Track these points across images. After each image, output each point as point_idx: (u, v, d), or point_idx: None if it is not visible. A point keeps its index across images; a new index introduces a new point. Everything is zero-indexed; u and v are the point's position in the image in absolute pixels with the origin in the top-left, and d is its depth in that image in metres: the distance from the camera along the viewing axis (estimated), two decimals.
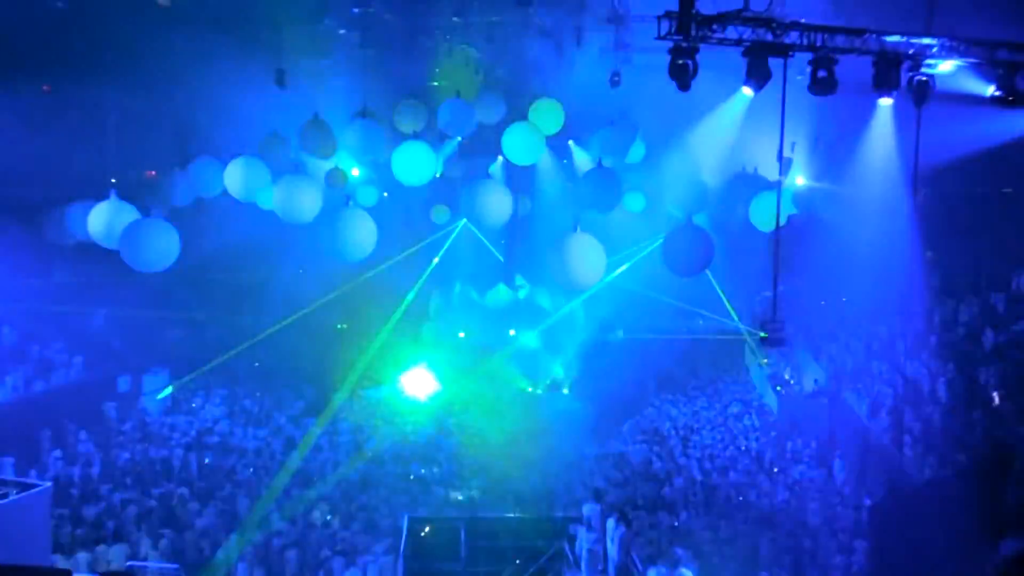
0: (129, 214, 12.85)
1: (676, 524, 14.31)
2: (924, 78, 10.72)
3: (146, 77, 17.43)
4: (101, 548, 12.49)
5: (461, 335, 21.57)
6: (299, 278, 21.44)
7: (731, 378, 22.25)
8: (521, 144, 15.62)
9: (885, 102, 12.63)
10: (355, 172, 19.20)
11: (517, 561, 12.62)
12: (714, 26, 9.80)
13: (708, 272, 16.34)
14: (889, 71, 10.54)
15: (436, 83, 18.93)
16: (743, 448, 17.91)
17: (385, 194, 20.07)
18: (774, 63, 10.17)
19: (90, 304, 19.87)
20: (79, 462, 15.91)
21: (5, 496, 9.70)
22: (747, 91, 10.60)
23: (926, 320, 17.35)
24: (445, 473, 16.35)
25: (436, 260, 22.19)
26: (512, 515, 14.37)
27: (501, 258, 22.90)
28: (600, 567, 11.40)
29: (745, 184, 17.70)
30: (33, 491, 10.11)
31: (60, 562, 11.59)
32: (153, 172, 19.25)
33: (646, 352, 21.18)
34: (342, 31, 17.70)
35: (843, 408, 17.81)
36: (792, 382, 20.06)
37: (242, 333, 20.49)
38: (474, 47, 17.98)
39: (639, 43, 16.02)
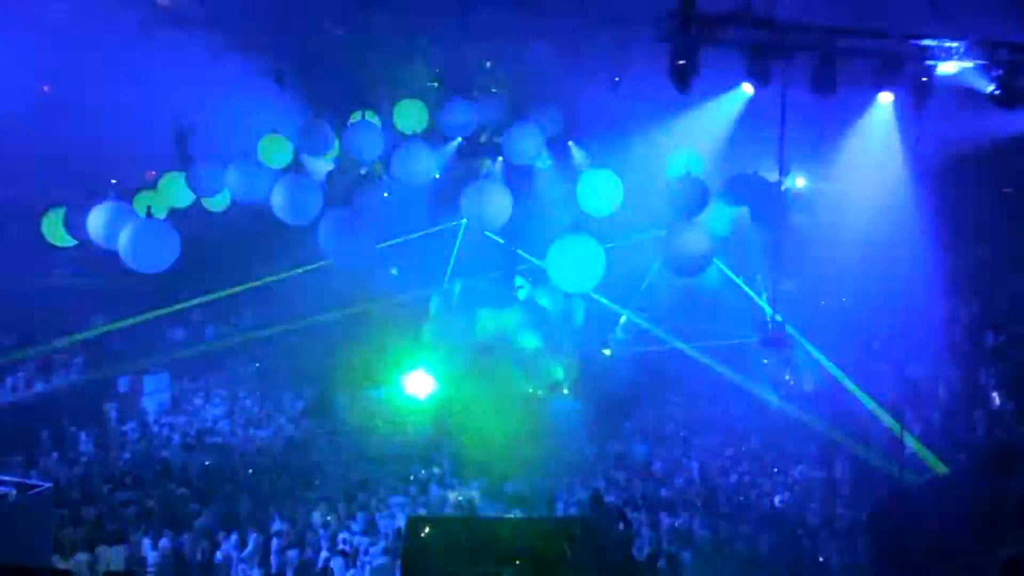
0: (129, 215, 12.86)
1: (676, 524, 14.31)
2: (925, 78, 10.74)
3: (146, 77, 17.42)
4: (101, 548, 12.47)
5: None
6: (299, 278, 21.41)
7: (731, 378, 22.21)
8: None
9: (885, 100, 12.65)
10: None
11: (517, 562, 12.59)
12: (715, 26, 9.82)
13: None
14: (890, 71, 10.55)
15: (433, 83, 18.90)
16: (743, 448, 17.90)
17: (385, 194, 20.04)
18: (774, 64, 10.19)
19: (90, 304, 19.89)
20: (79, 462, 15.91)
21: (5, 496, 9.70)
22: (747, 88, 10.62)
23: (926, 320, 17.35)
24: (445, 473, 16.34)
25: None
26: (512, 516, 14.36)
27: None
28: (601, 568, 11.41)
29: (745, 185, 17.68)
30: (33, 492, 10.11)
31: (60, 562, 11.60)
32: (153, 172, 19.23)
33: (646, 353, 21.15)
34: (340, 32, 17.71)
35: (843, 408, 17.80)
36: (792, 382, 20.05)
37: (242, 333, 20.50)
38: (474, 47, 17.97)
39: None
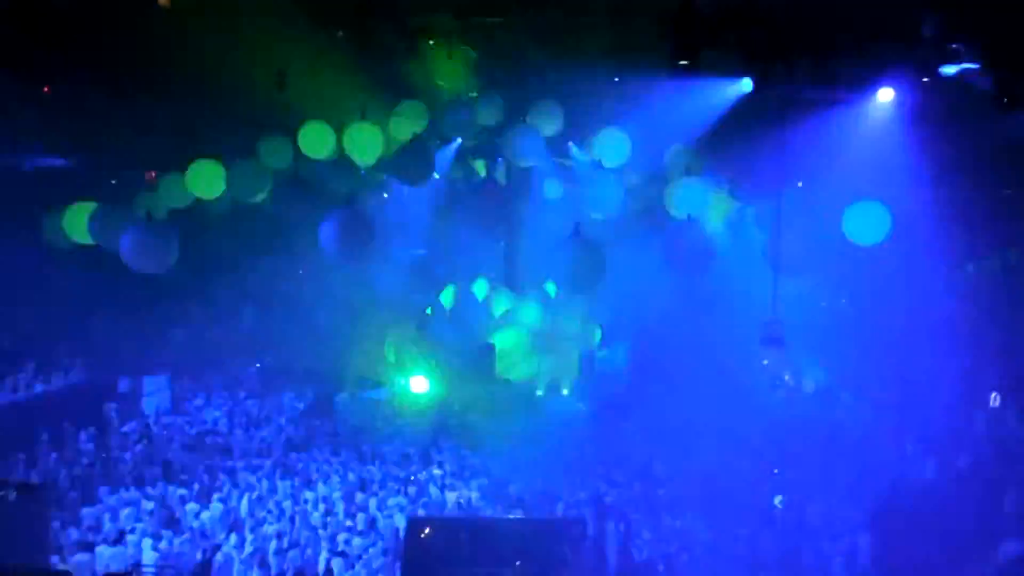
0: (128, 216, 12.87)
1: (676, 525, 14.30)
2: (926, 79, 10.76)
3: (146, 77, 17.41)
4: (101, 548, 12.47)
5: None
6: (299, 279, 21.44)
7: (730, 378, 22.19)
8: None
9: (885, 97, 12.64)
10: None
11: (517, 563, 12.60)
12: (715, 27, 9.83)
13: None
14: (890, 72, 10.57)
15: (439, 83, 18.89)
16: (743, 449, 17.87)
17: (385, 195, 20.07)
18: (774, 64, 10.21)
19: (90, 305, 19.89)
20: (79, 463, 15.91)
21: (5, 497, 9.71)
22: (747, 87, 10.64)
23: (926, 320, 17.35)
24: (445, 474, 16.35)
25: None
26: (513, 516, 14.36)
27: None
28: (601, 568, 11.41)
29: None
30: (33, 492, 10.13)
31: (59, 563, 11.60)
32: (153, 172, 19.24)
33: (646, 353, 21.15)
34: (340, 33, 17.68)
35: (843, 408, 17.81)
36: (792, 383, 20.05)
37: (242, 333, 20.51)
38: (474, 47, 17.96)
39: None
